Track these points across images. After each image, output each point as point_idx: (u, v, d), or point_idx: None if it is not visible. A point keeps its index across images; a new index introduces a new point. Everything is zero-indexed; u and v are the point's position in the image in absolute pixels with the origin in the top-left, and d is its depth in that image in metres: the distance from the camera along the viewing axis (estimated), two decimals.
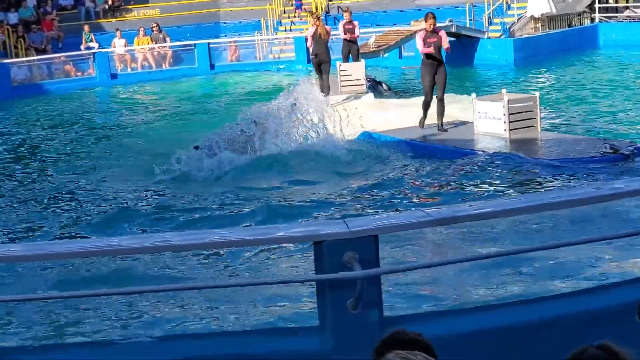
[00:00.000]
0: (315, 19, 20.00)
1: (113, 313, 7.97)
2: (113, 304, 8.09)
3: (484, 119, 14.93)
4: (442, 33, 15.37)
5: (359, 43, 22.04)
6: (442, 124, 15.51)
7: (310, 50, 19.83)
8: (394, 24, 30.31)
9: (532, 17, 29.30)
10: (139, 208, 12.41)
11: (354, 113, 16.62)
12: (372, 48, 24.26)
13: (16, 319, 7.97)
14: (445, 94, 15.52)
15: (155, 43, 31.69)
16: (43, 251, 4.55)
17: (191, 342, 4.62)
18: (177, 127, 20.01)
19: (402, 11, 32.56)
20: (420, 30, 16.02)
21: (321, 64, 19.25)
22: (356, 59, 21.22)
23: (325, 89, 19.14)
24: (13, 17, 32.62)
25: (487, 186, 12.61)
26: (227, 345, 4.49)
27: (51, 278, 9.04)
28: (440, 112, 15.46)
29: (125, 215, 12.06)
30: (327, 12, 33.20)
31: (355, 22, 21.28)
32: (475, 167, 13.43)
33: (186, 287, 6.73)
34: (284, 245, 9.12)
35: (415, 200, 11.88)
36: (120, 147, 17.98)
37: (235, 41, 32.07)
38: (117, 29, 32.17)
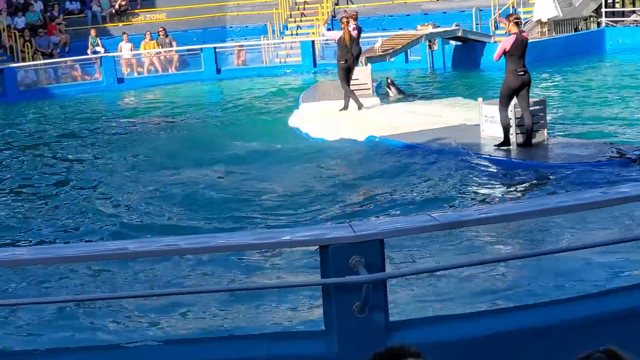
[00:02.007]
0: (344, 23, 19.52)
1: (117, 316, 7.98)
2: (116, 306, 8.09)
3: (491, 122, 14.91)
4: (501, 41, 13.96)
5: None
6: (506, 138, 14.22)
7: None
8: (400, 28, 30.31)
9: (538, 21, 29.28)
10: (151, 212, 12.42)
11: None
12: (379, 52, 24.27)
13: (18, 323, 7.98)
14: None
15: (162, 47, 31.75)
16: (49, 255, 4.56)
17: (196, 346, 4.63)
18: (186, 131, 20.01)
19: (408, 15, 32.57)
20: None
21: (350, 70, 19.01)
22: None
23: (352, 95, 18.91)
24: (20, 22, 32.70)
25: (492, 190, 12.61)
26: (232, 350, 4.49)
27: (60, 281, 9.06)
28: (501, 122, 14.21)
29: (136, 218, 12.09)
30: (334, 17, 33.20)
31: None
32: (481, 170, 13.42)
33: (190, 291, 6.73)
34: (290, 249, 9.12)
35: (420, 204, 11.86)
36: (131, 150, 18.00)
37: (241, 45, 32.10)
38: (124, 33, 32.23)
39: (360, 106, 18.76)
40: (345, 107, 18.97)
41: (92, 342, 7.10)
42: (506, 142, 14.23)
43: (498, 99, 14.99)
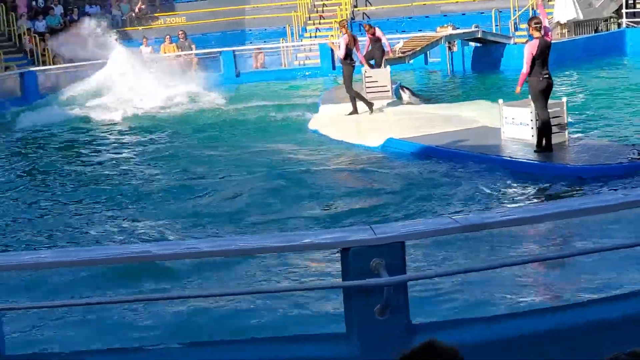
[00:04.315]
0: (346, 27, 19.74)
1: (140, 318, 8.00)
2: (141, 308, 8.12)
3: (511, 124, 14.88)
4: (526, 45, 13.75)
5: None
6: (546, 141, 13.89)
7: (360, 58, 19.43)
8: (419, 30, 30.30)
9: (558, 22, 29.18)
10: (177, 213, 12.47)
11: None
12: (398, 54, 24.27)
13: (39, 325, 8.01)
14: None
15: (181, 51, 31.84)
16: (73, 258, 4.58)
17: (218, 348, 4.64)
18: (203, 133, 20.04)
19: (427, 17, 32.55)
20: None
21: None
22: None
23: (360, 98, 19.02)
24: (40, 26, 32.89)
25: (514, 192, 12.58)
26: (254, 352, 4.50)
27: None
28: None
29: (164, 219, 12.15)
30: (353, 19, 33.23)
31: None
32: (502, 173, 13.39)
33: (212, 293, 6.75)
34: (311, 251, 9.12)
35: (441, 207, 11.84)
36: (153, 154, 18.04)
37: (260, 48, 32.15)
38: (144, 37, 32.31)
39: (355, 113, 18.86)
40: (355, 111, 18.99)
41: (114, 344, 7.12)
42: (548, 146, 13.83)
43: (519, 101, 14.96)
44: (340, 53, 19.01)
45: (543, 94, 13.68)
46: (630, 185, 12.11)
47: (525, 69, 13.55)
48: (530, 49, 13.47)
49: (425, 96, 22.59)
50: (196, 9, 35.95)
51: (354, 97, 18.94)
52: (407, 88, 22.09)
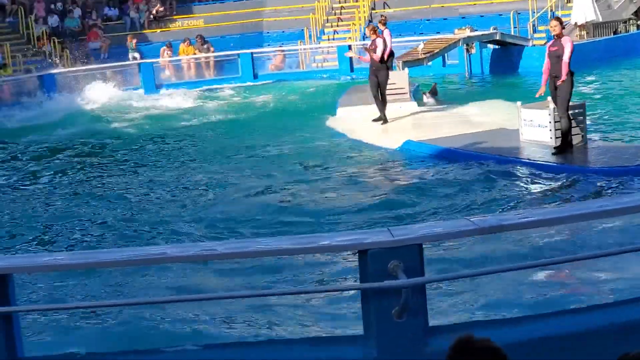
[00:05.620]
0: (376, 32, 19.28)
1: (159, 318, 8.02)
2: (157, 310, 8.13)
3: (530, 126, 14.83)
4: (565, 41, 13.59)
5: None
6: (565, 142, 13.88)
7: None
8: (437, 32, 30.23)
9: (576, 24, 29.05)
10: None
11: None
12: (421, 55, 24.22)
13: (55, 327, 8.03)
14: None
15: (200, 53, 31.94)
16: (89, 260, 4.59)
17: (236, 350, 4.63)
18: (222, 134, 20.06)
19: (445, 19, 32.46)
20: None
21: None
22: None
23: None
24: (59, 28, 33.03)
25: (532, 194, 12.53)
26: (273, 354, 4.49)
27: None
28: (562, 128, 13.88)
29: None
30: (371, 21, 33.21)
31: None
32: (520, 175, 13.35)
33: (229, 295, 6.75)
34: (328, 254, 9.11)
35: (459, 209, 11.80)
36: (170, 154, 18.10)
37: (278, 51, 32.16)
38: (169, 45, 32.24)
39: (385, 122, 18.50)
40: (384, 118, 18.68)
41: (131, 347, 7.13)
42: (569, 144, 13.87)
43: (537, 103, 14.89)
44: (379, 55, 18.36)
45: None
46: None
47: (568, 60, 13.52)
48: (572, 46, 13.53)
49: (444, 98, 22.54)
50: (214, 11, 36.00)
51: (385, 102, 18.59)
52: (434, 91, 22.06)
